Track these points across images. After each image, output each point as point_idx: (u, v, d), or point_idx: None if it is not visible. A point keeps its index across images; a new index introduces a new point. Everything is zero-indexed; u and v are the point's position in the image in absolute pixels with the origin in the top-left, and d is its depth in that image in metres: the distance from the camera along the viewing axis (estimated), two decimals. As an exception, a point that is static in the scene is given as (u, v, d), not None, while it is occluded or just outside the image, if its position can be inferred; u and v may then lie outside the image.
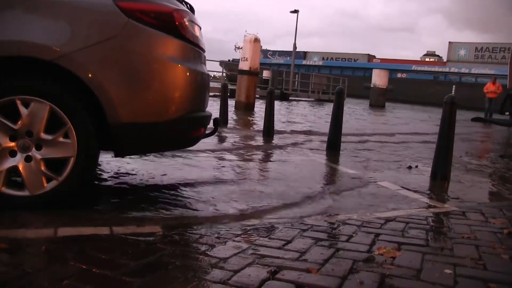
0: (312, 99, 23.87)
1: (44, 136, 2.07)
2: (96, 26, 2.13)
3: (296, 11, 28.93)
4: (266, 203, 2.69)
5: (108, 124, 2.14)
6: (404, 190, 3.35)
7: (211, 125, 2.85)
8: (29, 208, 2.06)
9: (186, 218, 2.28)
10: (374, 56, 55.32)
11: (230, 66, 25.58)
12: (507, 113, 15.67)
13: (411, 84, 42.67)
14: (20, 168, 2.05)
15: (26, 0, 2.07)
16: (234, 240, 1.89)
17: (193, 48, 2.46)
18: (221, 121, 6.82)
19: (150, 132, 2.29)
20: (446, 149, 3.82)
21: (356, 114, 14.49)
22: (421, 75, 46.78)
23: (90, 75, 2.07)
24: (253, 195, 2.88)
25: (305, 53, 56.40)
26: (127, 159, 3.58)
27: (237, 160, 4.27)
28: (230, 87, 10.69)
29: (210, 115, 2.78)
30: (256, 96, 13.63)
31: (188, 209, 2.45)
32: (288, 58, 52.18)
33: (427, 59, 54.54)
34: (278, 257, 1.71)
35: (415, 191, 3.34)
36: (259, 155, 4.86)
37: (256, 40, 12.45)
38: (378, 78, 23.58)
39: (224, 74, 21.35)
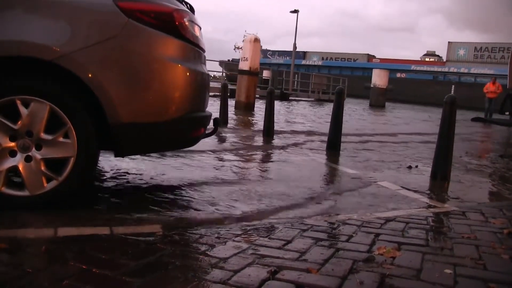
0: (312, 99, 23.87)
1: (44, 136, 2.07)
2: (96, 26, 2.13)
3: (296, 11, 28.93)
4: (266, 203, 2.69)
5: (108, 124, 2.14)
6: (404, 190, 3.35)
7: (211, 125, 2.85)
8: (29, 208, 2.06)
9: (186, 218, 2.28)
10: (373, 56, 55.35)
11: (230, 66, 25.60)
12: (507, 113, 15.68)
13: (410, 84, 42.68)
14: (20, 168, 2.05)
15: (26, 0, 2.07)
16: (234, 240, 1.89)
17: (193, 48, 2.46)
18: (221, 121, 6.82)
19: (150, 132, 2.29)
20: (446, 149, 3.82)
21: (356, 114, 14.49)
22: (420, 75, 46.81)
23: (90, 75, 2.07)
24: (253, 195, 2.88)
25: (304, 53, 56.42)
26: (127, 159, 3.58)
27: (237, 160, 4.27)
28: (230, 87, 10.68)
29: (210, 115, 2.78)
30: (256, 96, 13.63)
31: (188, 209, 2.45)
32: (287, 58, 52.22)
33: (427, 59, 54.55)
34: (278, 257, 1.71)
35: (415, 191, 3.34)
36: (259, 155, 4.86)
37: (256, 40, 12.45)
38: (378, 78, 23.59)
39: (224, 74, 21.34)
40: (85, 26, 2.10)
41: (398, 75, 44.98)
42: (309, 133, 7.25)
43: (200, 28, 2.63)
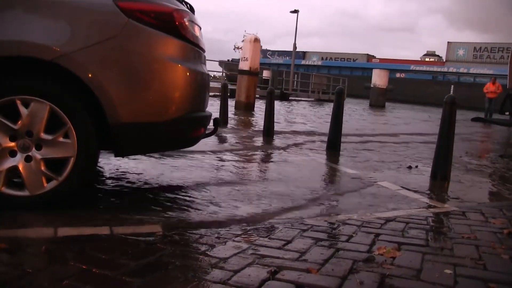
0: (312, 99, 23.87)
1: (44, 136, 2.07)
2: (96, 26, 2.13)
3: (296, 11, 28.93)
4: (266, 203, 2.69)
5: (108, 124, 2.14)
6: (404, 190, 3.35)
7: (211, 125, 2.85)
8: (29, 208, 2.06)
9: (186, 218, 2.28)
10: (373, 56, 55.37)
11: (230, 66, 25.59)
12: (507, 113, 15.68)
13: (410, 84, 42.68)
14: (20, 168, 2.05)
15: (26, 0, 2.07)
16: (234, 240, 1.89)
17: (193, 48, 2.46)
18: (221, 121, 6.82)
19: (150, 132, 2.29)
20: (446, 149, 3.82)
21: (356, 114, 14.49)
22: (419, 75, 46.84)
23: (90, 75, 2.07)
24: (253, 195, 2.88)
25: (304, 53, 56.41)
26: (127, 159, 3.57)
27: (237, 160, 4.27)
28: (230, 87, 10.68)
29: (210, 115, 2.78)
30: (256, 96, 13.63)
31: (188, 210, 2.45)
32: (287, 58, 52.23)
33: (427, 59, 54.57)
34: (278, 257, 1.71)
35: (415, 191, 3.34)
36: (259, 155, 4.86)
37: (256, 40, 12.45)
38: (378, 78, 23.59)
39: (224, 74, 21.35)
40: (85, 26, 2.10)
41: (398, 75, 45.00)
42: (309, 133, 7.25)
43: (200, 28, 2.63)
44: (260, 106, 12.35)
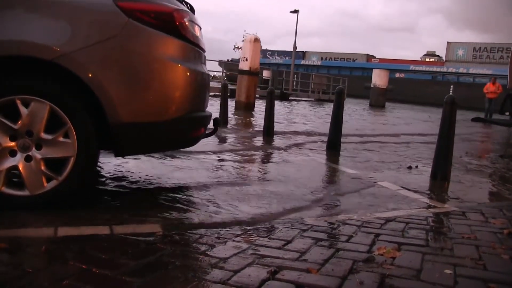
0: (312, 99, 23.87)
1: (44, 135, 2.07)
2: (96, 26, 2.13)
3: (296, 11, 28.94)
4: (266, 203, 2.69)
5: (108, 124, 2.14)
6: (404, 190, 3.35)
7: (211, 125, 2.85)
8: (29, 208, 2.06)
9: (186, 218, 2.28)
10: (373, 56, 55.39)
11: (229, 66, 25.57)
12: (507, 113, 15.68)
13: (409, 84, 42.70)
14: (20, 168, 2.05)
15: (26, 0, 2.07)
16: (234, 240, 1.89)
17: (193, 48, 2.46)
18: (221, 121, 6.82)
19: (150, 132, 2.29)
20: (446, 149, 3.82)
21: (356, 114, 14.49)
22: (419, 75, 46.87)
23: (90, 75, 2.07)
24: (253, 195, 2.88)
25: (304, 53, 56.41)
26: (127, 159, 3.57)
27: (237, 160, 4.27)
28: (230, 87, 10.68)
29: (210, 115, 2.78)
30: (256, 96, 13.63)
31: (188, 210, 2.45)
32: (287, 58, 52.24)
33: (427, 59, 54.59)
34: (278, 257, 1.71)
35: (415, 191, 3.34)
36: (259, 155, 4.86)
37: (256, 40, 12.45)
38: (378, 78, 23.60)
39: (224, 74, 21.35)
40: (85, 26, 2.10)
41: (397, 75, 45.00)
42: (309, 133, 7.25)
43: (200, 28, 2.63)
44: (260, 106, 12.34)
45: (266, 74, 24.85)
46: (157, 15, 2.24)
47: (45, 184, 2.10)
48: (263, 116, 6.67)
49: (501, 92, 17.22)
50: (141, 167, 3.41)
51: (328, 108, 13.42)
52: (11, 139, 2.04)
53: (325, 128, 6.32)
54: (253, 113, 11.10)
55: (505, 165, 5.35)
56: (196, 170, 3.54)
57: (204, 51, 2.69)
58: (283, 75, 24.49)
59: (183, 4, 2.52)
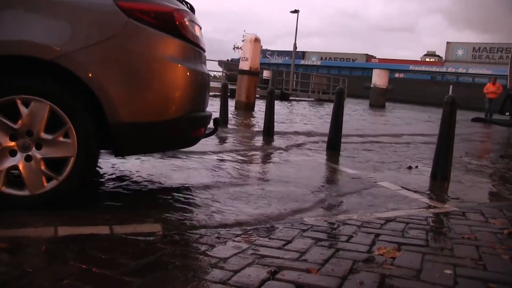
0: (312, 99, 23.88)
1: (44, 135, 2.07)
2: (96, 25, 2.13)
3: (296, 11, 28.94)
4: (265, 203, 2.69)
5: (108, 124, 2.14)
6: (404, 190, 3.35)
7: (211, 125, 2.85)
8: (29, 207, 2.06)
9: (186, 218, 2.28)
10: (372, 56, 55.43)
11: (229, 66, 25.57)
12: (507, 113, 15.67)
13: (409, 84, 42.72)
14: (20, 168, 2.05)
15: (26, 0, 2.07)
16: (234, 240, 1.89)
17: (193, 48, 2.46)
18: (221, 121, 6.82)
19: (150, 132, 2.29)
20: (446, 149, 3.82)
21: (356, 114, 14.49)
22: (418, 75, 46.91)
23: (90, 75, 2.07)
24: (253, 195, 2.88)
25: (303, 53, 56.44)
26: (127, 159, 3.58)
27: (237, 160, 4.27)
28: (230, 87, 10.68)
29: (210, 115, 2.78)
30: (256, 96, 13.63)
31: (189, 210, 2.44)
32: (286, 58, 52.28)
33: (427, 59, 54.62)
34: (278, 257, 1.71)
35: (415, 191, 3.34)
36: (259, 155, 4.86)
37: (257, 40, 12.45)
38: (378, 78, 23.60)
39: (224, 74, 21.35)
40: (85, 26, 2.10)
41: (397, 75, 45.02)
42: (309, 133, 7.25)
43: (200, 28, 2.63)
44: (260, 106, 12.35)
45: (266, 74, 24.84)
46: (157, 15, 2.24)
47: (45, 184, 2.10)
48: (263, 116, 6.67)
49: (501, 92, 17.22)
50: (141, 167, 3.41)
51: (328, 108, 13.42)
52: (11, 139, 2.04)
53: (325, 128, 6.32)
54: (253, 113, 11.10)
55: (505, 165, 5.35)
56: (196, 170, 3.54)
57: (204, 51, 2.69)
58: (283, 75, 24.49)
59: (183, 4, 2.52)
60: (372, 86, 23.78)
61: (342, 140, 5.37)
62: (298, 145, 5.65)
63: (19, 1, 2.06)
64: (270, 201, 2.73)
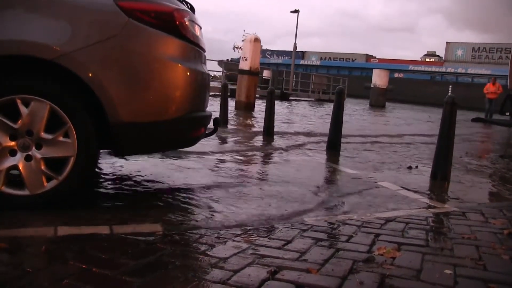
0: (312, 99, 23.88)
1: (44, 135, 2.06)
2: (96, 25, 2.12)
3: (296, 11, 28.95)
4: (265, 203, 2.69)
5: (108, 124, 2.14)
6: (404, 190, 3.35)
7: (211, 125, 2.85)
8: (29, 207, 2.06)
9: (186, 218, 2.28)
10: (372, 56, 55.46)
11: (229, 65, 25.59)
12: (508, 114, 15.68)
13: (408, 84, 42.74)
14: (20, 167, 2.05)
15: (27, 0, 2.06)
16: (234, 240, 1.89)
17: (193, 47, 2.46)
18: (221, 121, 6.82)
19: (150, 132, 2.29)
20: (446, 149, 3.82)
21: (356, 114, 14.49)
22: (418, 75, 46.95)
23: (90, 75, 2.07)
24: (253, 195, 2.87)
25: (303, 53, 56.46)
26: (127, 159, 3.57)
27: (237, 160, 4.27)
28: (230, 86, 10.68)
29: (210, 115, 2.78)
30: (256, 96, 13.63)
31: (189, 210, 2.44)
32: (286, 57, 52.34)
33: (427, 59, 54.65)
34: (278, 257, 1.71)
35: (415, 191, 3.34)
36: (259, 155, 4.86)
37: (257, 39, 12.45)
38: (378, 78, 23.62)
39: (224, 74, 21.36)
40: (85, 26, 2.10)
41: (396, 75, 45.04)
42: (310, 133, 7.25)
43: (201, 28, 2.63)
44: (260, 106, 12.34)
45: (266, 74, 24.85)
46: (158, 15, 2.24)
47: (45, 183, 2.10)
48: (263, 116, 6.68)
49: (501, 92, 17.22)
50: (141, 167, 3.41)
51: (328, 108, 13.42)
52: (11, 139, 2.04)
53: (325, 128, 6.31)
54: (253, 113, 11.10)
55: (505, 165, 5.35)
56: (196, 170, 3.54)
57: (204, 50, 2.69)
58: (283, 75, 24.49)
59: (183, 4, 2.52)
60: (372, 86, 23.79)
61: (342, 140, 5.37)
62: (298, 145, 5.65)
63: (19, 1, 2.06)
64: (270, 201, 2.73)
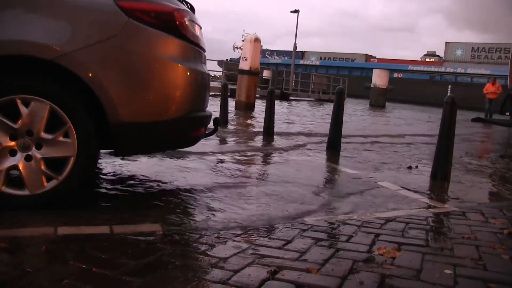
0: (312, 99, 23.88)
1: (44, 135, 2.06)
2: (96, 25, 2.12)
3: (296, 11, 28.95)
4: (266, 203, 2.69)
5: (108, 124, 2.14)
6: (404, 190, 3.35)
7: (211, 125, 2.85)
8: (29, 207, 2.06)
9: (186, 218, 2.28)
10: (371, 56, 55.48)
11: (229, 65, 25.59)
12: (507, 114, 15.67)
13: (408, 84, 42.74)
14: (20, 168, 2.05)
15: (27, 0, 2.06)
16: (234, 240, 1.89)
17: (193, 47, 2.46)
18: (221, 120, 6.82)
19: (150, 132, 2.29)
20: (446, 149, 3.82)
21: (356, 114, 14.49)
22: (417, 75, 46.97)
23: (90, 75, 2.07)
24: (253, 195, 2.87)
25: (302, 52, 56.48)
26: (127, 159, 3.57)
27: (237, 160, 4.27)
28: (230, 86, 10.68)
29: (210, 115, 2.78)
30: (256, 96, 13.62)
31: (189, 210, 2.45)
32: (286, 57, 52.37)
33: (427, 59, 54.68)
34: (278, 257, 1.71)
35: (415, 191, 3.34)
36: (259, 155, 4.86)
37: (257, 39, 12.45)
38: (379, 78, 23.62)
39: (224, 74, 21.36)
40: (85, 26, 2.10)
41: (396, 75, 45.05)
42: (310, 133, 7.25)
43: (201, 28, 2.63)
44: (260, 106, 12.34)
45: (266, 74, 24.84)
46: (158, 15, 2.24)
47: (45, 183, 2.10)
48: (263, 116, 6.67)
49: (501, 92, 17.22)
50: (141, 167, 3.41)
51: (328, 108, 13.41)
52: (11, 139, 2.04)
53: (325, 128, 6.31)
54: (253, 113, 11.09)
55: (505, 165, 5.35)
56: (196, 170, 3.54)
57: (204, 50, 2.69)
58: (283, 75, 24.48)
59: (183, 4, 2.52)
60: (372, 86, 23.79)
61: (343, 140, 5.37)
62: (298, 145, 5.65)
63: (19, 1, 2.06)
64: (270, 201, 2.73)
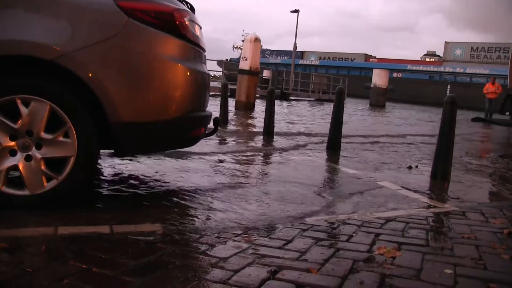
0: (313, 99, 23.88)
1: (44, 135, 2.06)
2: (96, 25, 2.12)
3: (296, 11, 28.96)
4: (265, 203, 2.69)
5: (109, 124, 2.14)
6: (404, 190, 3.35)
7: (211, 124, 2.85)
8: (29, 207, 2.06)
9: (186, 218, 2.28)
10: (370, 55, 55.49)
11: (228, 65, 25.59)
12: (507, 113, 15.68)
13: (408, 84, 42.72)
14: (20, 167, 2.05)
15: (27, 0, 2.06)
16: (234, 240, 1.89)
17: (193, 47, 2.46)
18: (221, 120, 6.82)
19: (150, 132, 2.29)
20: (447, 149, 3.82)
21: (356, 114, 14.48)
22: (416, 74, 46.98)
23: (90, 75, 2.07)
24: (253, 195, 2.87)
25: (302, 52, 56.48)
26: (127, 159, 3.57)
27: (237, 160, 4.27)
28: (230, 86, 10.68)
29: (210, 115, 2.78)
30: (256, 96, 13.62)
31: (189, 210, 2.44)
32: (285, 57, 52.38)
33: (427, 59, 54.69)
34: (278, 257, 1.71)
35: (415, 191, 3.34)
36: (259, 155, 4.86)
37: (257, 39, 12.45)
38: (379, 78, 23.62)
39: (224, 74, 21.37)
40: (85, 25, 2.10)
41: (395, 74, 45.04)
42: (310, 133, 7.25)
43: (200, 28, 2.63)
44: (260, 106, 12.35)
45: (266, 74, 24.84)
46: (158, 15, 2.24)
47: (45, 183, 2.10)
48: (263, 116, 6.67)
49: (501, 92, 17.22)
50: (141, 167, 3.41)
51: (328, 108, 13.42)
52: (11, 139, 2.04)
53: (326, 128, 6.31)
54: (253, 113, 11.10)
55: (505, 165, 5.35)
56: (196, 170, 3.54)
57: (204, 50, 2.69)
58: (283, 75, 24.49)
59: (183, 4, 2.52)
60: (372, 86, 23.79)
61: (343, 140, 5.37)
62: (298, 145, 5.65)
63: (19, 1, 2.06)
64: (270, 201, 2.73)
